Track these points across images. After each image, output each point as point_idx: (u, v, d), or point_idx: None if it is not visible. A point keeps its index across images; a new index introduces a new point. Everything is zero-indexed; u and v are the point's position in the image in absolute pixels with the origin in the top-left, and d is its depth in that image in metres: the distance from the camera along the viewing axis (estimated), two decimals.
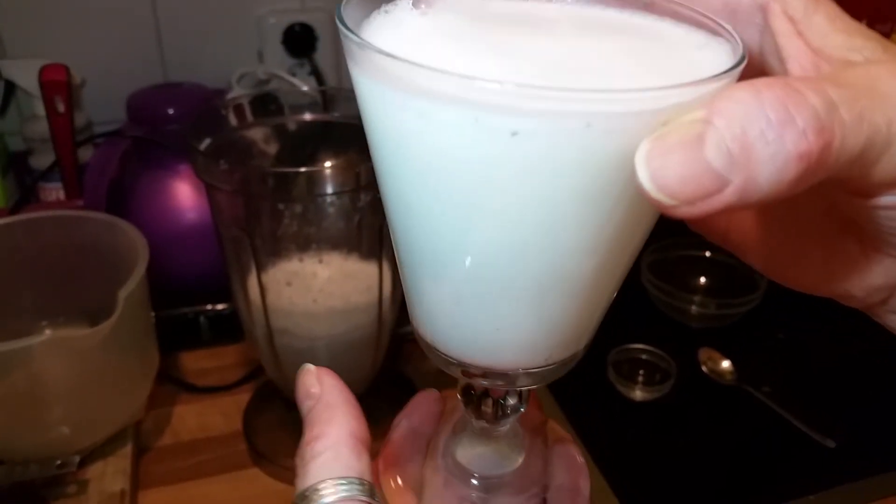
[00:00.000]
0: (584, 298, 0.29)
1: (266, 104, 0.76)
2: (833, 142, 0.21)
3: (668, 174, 0.21)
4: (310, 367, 0.34)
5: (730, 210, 0.21)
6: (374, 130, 0.26)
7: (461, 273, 0.28)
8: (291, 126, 0.77)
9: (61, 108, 0.91)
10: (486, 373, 0.32)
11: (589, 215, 0.25)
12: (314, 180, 0.62)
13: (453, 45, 0.26)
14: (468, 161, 0.24)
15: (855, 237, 0.29)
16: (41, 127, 0.98)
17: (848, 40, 0.26)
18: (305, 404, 0.33)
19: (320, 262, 0.69)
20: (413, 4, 0.28)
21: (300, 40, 1.16)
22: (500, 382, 0.33)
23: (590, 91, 0.22)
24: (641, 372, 0.90)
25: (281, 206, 0.66)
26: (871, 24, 1.22)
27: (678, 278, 0.99)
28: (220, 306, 0.93)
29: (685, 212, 0.21)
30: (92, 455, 0.74)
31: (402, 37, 0.27)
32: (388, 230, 0.67)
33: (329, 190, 0.63)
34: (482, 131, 0.22)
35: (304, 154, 0.75)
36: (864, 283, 0.30)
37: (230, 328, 0.87)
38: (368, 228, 0.68)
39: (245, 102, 0.74)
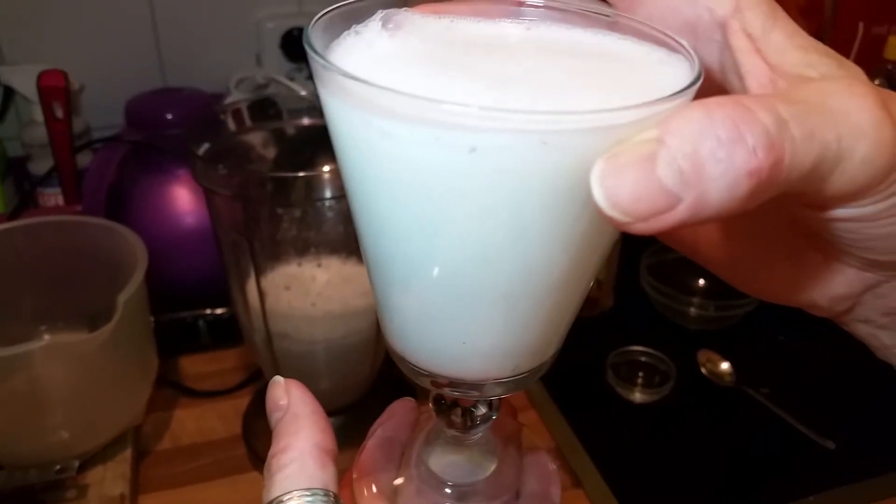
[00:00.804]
0: (549, 310, 0.30)
1: (265, 109, 0.76)
2: (783, 158, 0.21)
3: (622, 192, 0.21)
4: (279, 379, 0.35)
5: (683, 226, 0.22)
6: (341, 148, 0.27)
7: (427, 286, 0.28)
8: (290, 130, 0.77)
9: (60, 113, 0.91)
10: (455, 383, 0.32)
11: (550, 228, 0.25)
12: (313, 185, 0.62)
13: (418, 66, 0.27)
14: (430, 177, 0.24)
15: (817, 248, 0.30)
16: (40, 132, 0.98)
17: (804, 57, 0.26)
18: (274, 416, 0.34)
19: (319, 266, 0.69)
20: (383, 26, 0.29)
21: (298, 44, 1.16)
22: (470, 392, 0.33)
23: (544, 113, 0.22)
24: (640, 374, 0.90)
25: (280, 211, 0.66)
26: (868, 27, 1.23)
27: (677, 280, 0.99)
28: (219, 310, 0.93)
29: (639, 228, 0.22)
30: (91, 459, 0.74)
31: (371, 57, 0.27)
32: None
33: (328, 194, 0.63)
34: (442, 148, 0.23)
35: (303, 158, 0.76)
36: (828, 292, 0.31)
37: (229, 332, 0.87)
38: None
39: (243, 107, 0.74)
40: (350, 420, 0.77)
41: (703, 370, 0.90)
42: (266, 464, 0.32)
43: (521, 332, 0.30)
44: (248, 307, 0.72)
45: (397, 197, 0.26)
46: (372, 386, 0.80)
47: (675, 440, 0.83)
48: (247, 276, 0.70)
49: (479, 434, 0.37)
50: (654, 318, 1.00)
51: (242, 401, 0.86)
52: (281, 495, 0.30)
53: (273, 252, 0.69)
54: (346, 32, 0.29)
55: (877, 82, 1.15)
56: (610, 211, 0.21)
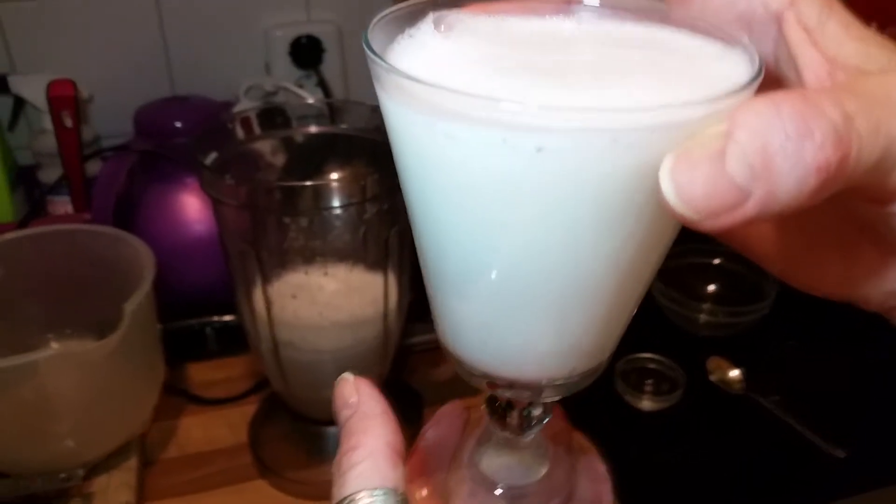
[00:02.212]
0: (608, 311, 0.29)
1: (273, 117, 0.76)
2: (850, 153, 0.21)
3: (693, 189, 0.21)
4: (348, 376, 0.35)
5: (751, 222, 0.22)
6: (401, 152, 0.27)
7: (488, 288, 0.28)
8: (298, 138, 0.77)
9: (69, 122, 0.92)
10: (512, 384, 0.32)
11: (611, 228, 0.25)
12: (320, 194, 0.62)
13: (475, 66, 0.27)
14: (495, 178, 0.24)
15: (872, 242, 0.29)
16: (49, 141, 0.99)
17: (863, 48, 0.26)
18: (343, 414, 0.33)
19: (326, 274, 0.69)
20: (435, 28, 0.29)
21: (307, 52, 1.17)
22: (525, 394, 0.33)
23: (614, 110, 0.22)
24: (649, 381, 0.89)
25: (286, 220, 0.66)
26: (881, 29, 1.21)
27: (687, 286, 0.98)
28: (226, 318, 0.93)
29: (709, 225, 0.22)
30: (97, 468, 0.74)
31: (428, 60, 0.27)
32: (393, 242, 0.67)
33: (335, 203, 0.63)
34: (508, 149, 0.23)
35: (312, 166, 0.76)
36: (882, 287, 0.30)
37: (237, 340, 0.87)
38: (374, 240, 0.68)
39: (252, 115, 0.75)
40: None
41: (713, 377, 0.90)
42: (335, 461, 0.32)
43: (579, 334, 0.30)
44: (255, 316, 0.72)
45: (460, 200, 0.26)
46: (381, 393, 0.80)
47: (684, 448, 0.82)
48: (253, 285, 0.70)
49: (531, 436, 0.37)
50: (664, 324, 0.99)
51: (249, 408, 0.86)
52: (352, 493, 0.30)
53: (280, 261, 0.69)
54: (399, 36, 0.29)
55: None
56: (681, 208, 0.21)
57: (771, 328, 0.97)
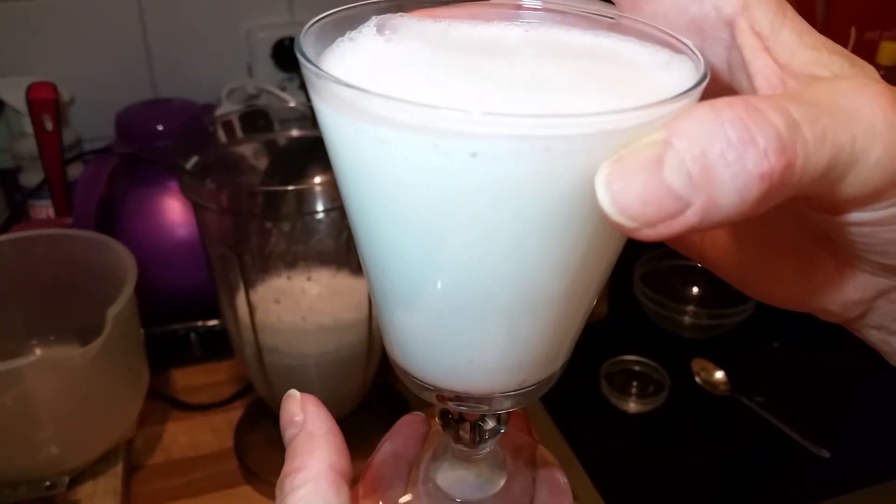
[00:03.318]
0: (555, 321, 0.29)
1: (255, 120, 0.76)
2: (795, 161, 0.21)
3: (629, 197, 0.20)
4: (294, 393, 0.33)
5: (693, 231, 0.21)
6: (336, 159, 0.26)
7: (427, 299, 0.28)
8: (281, 141, 0.77)
9: (49, 126, 0.91)
10: (460, 397, 0.31)
11: (554, 237, 0.25)
12: (303, 198, 0.62)
13: (415, 71, 0.26)
14: (429, 184, 0.24)
15: (828, 252, 0.29)
16: (30, 144, 0.98)
17: (815, 55, 0.25)
18: (288, 432, 0.32)
19: (309, 279, 0.69)
20: (378, 31, 0.29)
21: (290, 55, 1.16)
22: (475, 407, 0.32)
23: (546, 116, 0.22)
24: (635, 384, 0.90)
25: (269, 225, 0.65)
26: (861, 33, 1.22)
27: (671, 289, 0.99)
28: (210, 322, 0.92)
29: (647, 234, 0.21)
30: (82, 475, 0.74)
31: (366, 63, 0.27)
32: None
33: (318, 207, 0.62)
34: (441, 155, 0.22)
35: (294, 169, 0.75)
36: (840, 298, 0.30)
37: (221, 344, 0.87)
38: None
39: (234, 119, 0.74)
40: (343, 433, 0.77)
41: (698, 379, 0.90)
42: (278, 483, 0.31)
43: (526, 345, 0.29)
44: (238, 321, 0.71)
45: (395, 208, 0.25)
46: (364, 398, 0.80)
47: (669, 450, 0.83)
48: (236, 290, 0.70)
49: (487, 449, 0.36)
50: (648, 326, 0.99)
51: (235, 414, 0.85)
52: None
53: (262, 266, 0.68)
54: (339, 39, 0.28)
55: None
56: (616, 216, 0.21)
57: (755, 330, 0.97)
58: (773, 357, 0.95)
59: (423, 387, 0.31)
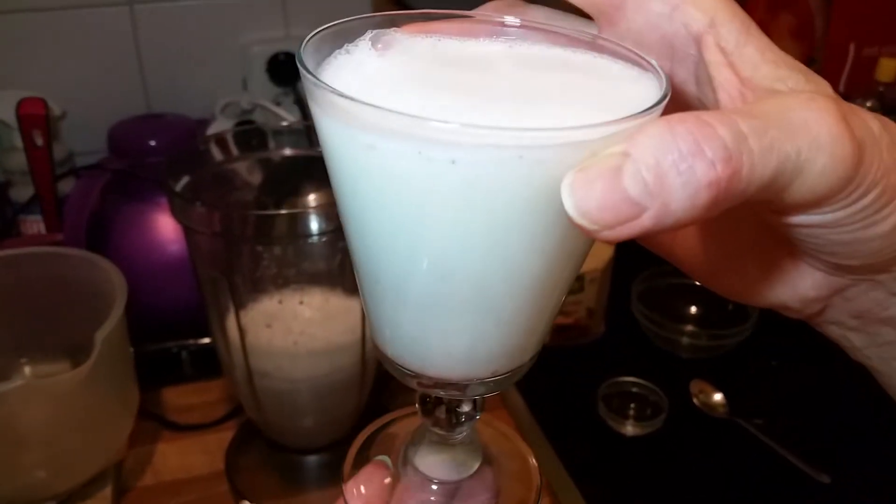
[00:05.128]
0: (525, 317, 0.31)
1: (249, 138, 0.75)
2: (741, 170, 0.23)
3: (590, 202, 0.23)
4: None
5: (648, 234, 0.23)
6: (331, 162, 0.29)
7: (410, 292, 0.30)
8: (275, 158, 0.76)
9: (40, 141, 0.90)
10: (439, 384, 0.34)
11: (525, 237, 0.27)
12: (295, 221, 0.61)
13: (405, 84, 0.29)
14: (413, 187, 0.26)
15: (787, 252, 0.32)
16: (20, 159, 0.97)
17: (775, 70, 0.28)
18: None
19: (301, 303, 0.68)
20: (372, 45, 0.31)
21: (285, 69, 1.15)
22: (452, 392, 0.35)
23: (518, 129, 0.24)
24: (632, 406, 0.89)
25: (260, 248, 0.64)
26: (859, 49, 1.22)
27: (668, 308, 0.98)
28: (202, 340, 0.91)
29: (606, 235, 0.23)
30: (70, 499, 0.73)
31: (360, 75, 0.30)
32: None
33: (310, 231, 0.61)
34: (424, 160, 0.25)
35: (288, 187, 0.74)
36: (798, 294, 0.32)
37: (212, 363, 0.85)
38: (350, 267, 0.67)
39: (228, 136, 0.73)
40: (336, 457, 0.76)
41: (696, 401, 0.89)
42: None
43: (497, 338, 0.32)
44: (229, 344, 0.70)
45: (383, 207, 0.28)
46: (358, 421, 0.78)
47: (667, 474, 0.82)
48: (227, 313, 0.69)
49: (463, 433, 0.38)
50: (646, 346, 0.98)
51: (226, 434, 0.84)
52: None
53: (254, 289, 0.67)
54: (337, 51, 0.31)
55: (868, 104, 1.14)
56: (579, 219, 0.23)
57: (754, 350, 0.96)
58: (773, 378, 0.94)
59: (406, 373, 0.34)
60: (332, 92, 0.25)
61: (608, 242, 0.22)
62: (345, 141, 0.27)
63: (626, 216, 0.23)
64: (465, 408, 0.37)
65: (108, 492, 0.74)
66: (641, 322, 0.98)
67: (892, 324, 0.32)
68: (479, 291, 0.29)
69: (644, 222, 0.23)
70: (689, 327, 0.96)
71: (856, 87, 1.21)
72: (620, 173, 0.23)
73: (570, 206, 0.23)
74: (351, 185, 0.29)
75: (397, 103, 0.25)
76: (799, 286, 0.32)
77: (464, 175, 0.25)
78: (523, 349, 0.34)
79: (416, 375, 0.34)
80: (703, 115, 0.23)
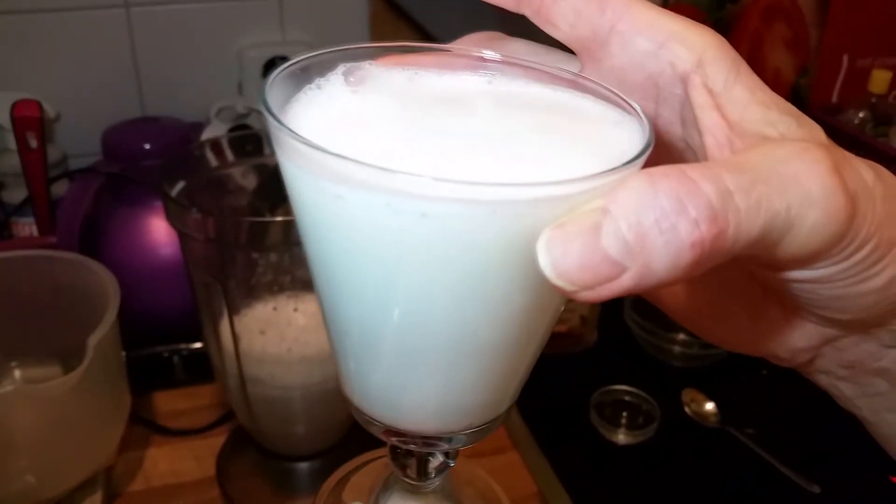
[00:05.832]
0: (499, 372, 0.30)
1: (244, 144, 0.75)
2: (727, 230, 0.22)
3: (568, 262, 0.22)
4: None
5: (629, 293, 0.22)
6: (297, 209, 0.28)
7: (377, 345, 0.29)
8: (270, 163, 0.76)
9: (33, 143, 0.89)
10: (407, 436, 0.32)
11: (498, 292, 0.26)
12: (290, 228, 0.61)
13: (375, 126, 0.28)
14: (381, 240, 0.25)
15: (776, 302, 0.30)
16: (13, 160, 0.97)
17: (765, 114, 0.26)
18: None
19: (295, 310, 0.68)
20: (345, 80, 0.29)
21: None
22: (423, 447, 0.33)
23: (491, 185, 0.23)
24: (625, 414, 0.89)
25: (255, 255, 0.64)
26: (853, 60, 1.23)
27: (661, 317, 0.97)
28: (195, 345, 0.91)
29: (586, 296, 0.22)
30: None
31: (330, 115, 0.28)
32: None
33: None
34: (394, 213, 0.24)
35: (284, 192, 0.74)
36: (788, 345, 0.31)
37: (205, 368, 0.85)
38: None
39: (223, 141, 0.73)
40: (328, 465, 0.75)
41: (688, 410, 0.89)
42: None
43: (470, 392, 0.31)
44: (222, 350, 0.70)
45: (350, 259, 0.26)
46: (351, 429, 0.78)
47: (659, 483, 0.82)
48: (220, 319, 0.68)
49: (436, 483, 0.36)
50: (638, 354, 0.99)
51: (217, 440, 0.84)
52: None
53: (247, 295, 0.67)
54: (307, 86, 0.29)
55: (861, 115, 1.15)
56: (556, 280, 0.22)
57: (745, 359, 0.95)
58: (764, 388, 0.94)
59: (372, 423, 0.32)
60: (296, 140, 0.24)
61: (587, 302, 0.21)
62: (310, 190, 0.26)
63: (605, 276, 0.22)
64: (437, 459, 0.35)
65: (97, 497, 0.74)
66: (634, 331, 0.98)
67: (884, 375, 0.31)
68: (452, 345, 0.28)
69: (624, 283, 0.22)
70: (682, 336, 0.96)
71: (848, 98, 1.21)
72: (599, 231, 0.21)
73: (546, 266, 0.22)
74: (317, 236, 0.27)
75: (367, 147, 0.25)
76: (789, 337, 0.31)
77: (434, 228, 0.24)
78: (498, 402, 0.32)
79: (383, 426, 0.32)
80: (687, 169, 0.22)
